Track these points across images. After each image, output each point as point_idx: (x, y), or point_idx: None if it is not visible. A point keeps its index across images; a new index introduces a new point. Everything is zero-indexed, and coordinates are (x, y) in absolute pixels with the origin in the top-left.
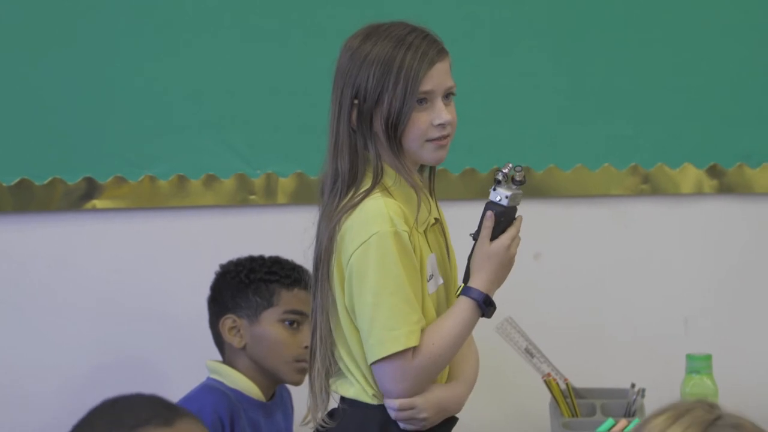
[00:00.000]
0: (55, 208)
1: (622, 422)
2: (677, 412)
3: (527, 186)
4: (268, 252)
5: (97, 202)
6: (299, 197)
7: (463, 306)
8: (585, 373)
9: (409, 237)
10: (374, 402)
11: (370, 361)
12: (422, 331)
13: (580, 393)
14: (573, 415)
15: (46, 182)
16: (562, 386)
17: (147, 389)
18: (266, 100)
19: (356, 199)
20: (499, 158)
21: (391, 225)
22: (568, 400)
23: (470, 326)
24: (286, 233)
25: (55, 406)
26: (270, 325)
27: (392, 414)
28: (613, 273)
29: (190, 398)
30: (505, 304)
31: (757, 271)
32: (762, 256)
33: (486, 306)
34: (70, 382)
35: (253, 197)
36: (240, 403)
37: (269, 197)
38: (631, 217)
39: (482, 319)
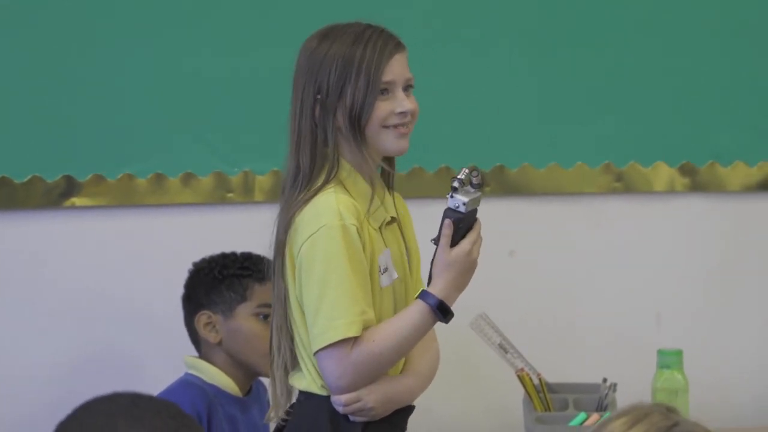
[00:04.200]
0: (35, 205)
1: (594, 416)
2: (635, 416)
3: (503, 184)
4: (246, 249)
5: (77, 200)
6: (276, 195)
7: (415, 309)
8: (558, 369)
9: (359, 231)
10: (324, 393)
11: (312, 351)
12: (371, 326)
13: (552, 388)
14: (546, 410)
15: (25, 180)
16: (535, 381)
17: (125, 385)
18: (244, 98)
19: (310, 194)
20: (475, 156)
21: (339, 219)
22: (541, 394)
23: (421, 330)
24: (263, 230)
25: (33, 402)
26: (244, 320)
27: (340, 409)
28: (587, 270)
29: (168, 393)
30: (480, 300)
31: (728, 267)
32: (733, 253)
33: (441, 313)
34: (49, 378)
35: (230, 195)
36: (217, 398)
37: (247, 195)
38: (605, 214)
39: (457, 315)
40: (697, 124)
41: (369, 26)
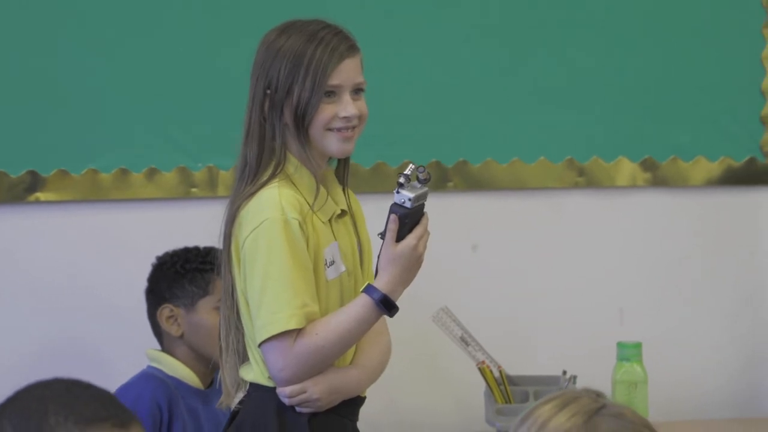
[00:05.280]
0: None
1: None
2: (563, 400)
3: (466, 179)
4: (209, 244)
5: (41, 195)
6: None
7: (360, 303)
8: (519, 362)
9: (302, 225)
10: (271, 384)
11: (256, 344)
12: (314, 318)
13: (513, 380)
14: (506, 402)
15: None
16: (496, 374)
17: (88, 378)
18: (207, 94)
19: (255, 188)
20: (438, 151)
21: (281, 213)
22: (502, 387)
23: (365, 323)
24: None
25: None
26: (206, 313)
27: (285, 401)
28: (549, 264)
29: (130, 386)
30: (442, 293)
31: (689, 262)
32: (694, 247)
33: (385, 307)
34: (12, 370)
35: (194, 190)
36: (178, 390)
37: (210, 190)
38: (567, 209)
39: (420, 309)
40: (658, 119)
41: (326, 26)
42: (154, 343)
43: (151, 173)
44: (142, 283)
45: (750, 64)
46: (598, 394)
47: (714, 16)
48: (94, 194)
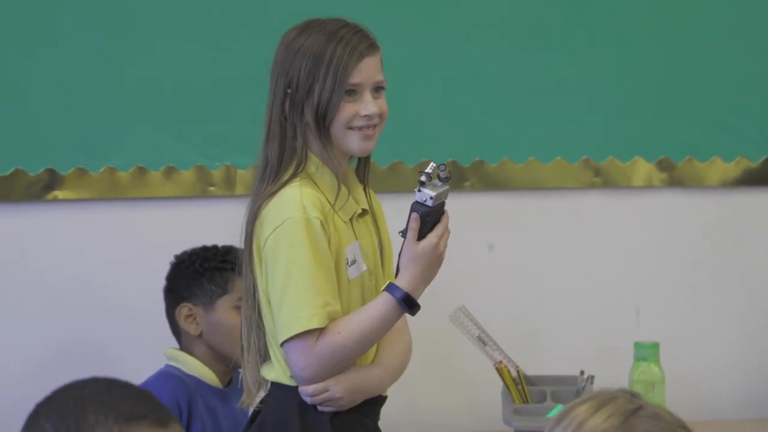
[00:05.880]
0: (18, 198)
1: None
2: (600, 401)
3: (482, 179)
4: (227, 243)
5: (59, 193)
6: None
7: (381, 301)
8: (536, 361)
9: (324, 224)
10: (293, 384)
11: (278, 343)
12: (336, 317)
13: (530, 380)
14: (524, 402)
15: (8, 173)
16: (514, 373)
17: (108, 376)
18: (225, 93)
19: (276, 187)
20: (455, 151)
21: (303, 212)
22: (519, 387)
23: (387, 321)
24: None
25: (14, 391)
26: (225, 312)
27: (308, 400)
28: (566, 264)
29: (149, 384)
30: (459, 293)
31: (705, 262)
32: (710, 247)
33: (407, 305)
34: (30, 369)
35: (212, 188)
36: (197, 389)
37: (228, 188)
38: (583, 209)
39: (437, 309)
40: (675, 119)
41: (346, 24)
42: (172, 342)
43: (169, 172)
44: (160, 282)
45: (766, 64)
46: (634, 395)
47: (730, 17)
48: (111, 193)
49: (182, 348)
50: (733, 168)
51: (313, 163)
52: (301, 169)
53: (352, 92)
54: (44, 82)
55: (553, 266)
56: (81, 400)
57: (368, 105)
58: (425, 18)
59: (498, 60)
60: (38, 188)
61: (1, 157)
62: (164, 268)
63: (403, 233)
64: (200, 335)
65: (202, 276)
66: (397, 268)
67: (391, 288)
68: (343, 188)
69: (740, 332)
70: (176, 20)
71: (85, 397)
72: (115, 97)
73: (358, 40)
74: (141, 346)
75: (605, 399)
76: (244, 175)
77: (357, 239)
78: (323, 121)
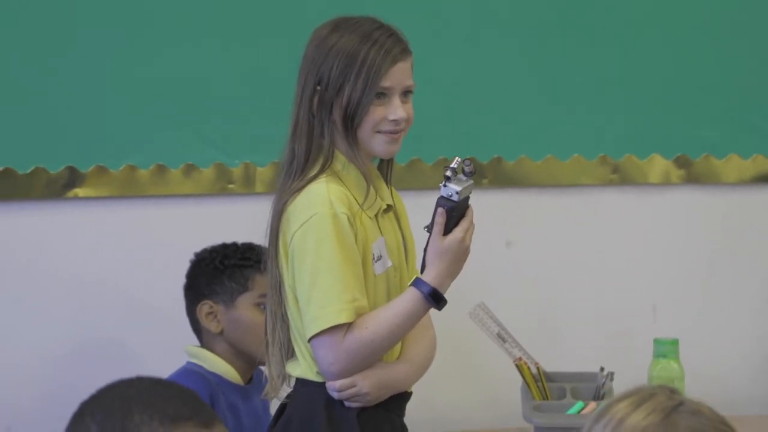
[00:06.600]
0: (38, 196)
1: (592, 405)
2: (640, 397)
3: (500, 176)
4: (247, 240)
5: (79, 191)
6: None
7: (409, 296)
8: (555, 358)
9: (351, 220)
10: (319, 380)
11: (306, 339)
12: (364, 313)
13: (550, 377)
14: (544, 398)
15: (29, 171)
16: (533, 370)
17: (127, 374)
18: (244, 90)
19: (303, 183)
20: (473, 148)
21: (330, 207)
22: (539, 383)
23: (414, 316)
24: (264, 221)
25: (33, 390)
26: (246, 309)
27: (335, 395)
28: (583, 260)
29: None
30: (478, 290)
31: (723, 259)
32: (727, 244)
33: (434, 300)
34: (50, 367)
35: (231, 186)
36: (219, 386)
37: (248, 186)
38: (601, 206)
39: (456, 306)
40: (692, 117)
41: (380, 26)
42: (191, 340)
43: (189, 169)
44: (180, 280)
45: None
46: (673, 391)
47: (747, 14)
48: (131, 190)
49: (203, 345)
50: (750, 165)
51: (339, 161)
52: (328, 165)
53: (382, 96)
54: (64, 80)
55: (571, 263)
56: (127, 400)
57: (397, 110)
58: (445, 16)
59: (516, 58)
60: (58, 186)
61: (21, 155)
62: (184, 266)
63: (429, 228)
64: (221, 333)
65: (222, 273)
66: (423, 263)
67: (418, 283)
68: (371, 186)
69: (757, 329)
70: (196, 19)
71: (130, 397)
72: (135, 95)
73: (392, 44)
74: (160, 345)
75: (645, 395)
76: (264, 173)
77: (382, 235)
78: (351, 122)
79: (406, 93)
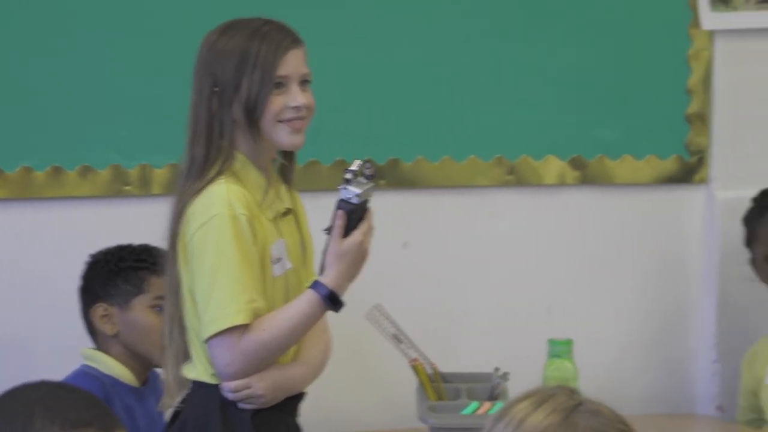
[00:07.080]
0: None
1: (486, 405)
2: (540, 397)
3: (397, 177)
4: (143, 242)
5: None
6: (174, 188)
7: (306, 298)
8: (451, 359)
9: (250, 221)
10: (215, 382)
11: (202, 339)
12: (261, 314)
13: (446, 377)
14: (439, 399)
15: None
16: (429, 371)
17: (21, 377)
18: (142, 91)
19: (202, 183)
20: (370, 149)
21: (229, 209)
22: (435, 384)
23: (312, 319)
24: (161, 223)
25: None
26: (141, 312)
27: (229, 396)
28: (479, 261)
29: None
30: (374, 291)
31: (616, 259)
32: (621, 245)
33: (332, 302)
34: None
35: (128, 188)
36: (114, 388)
37: (144, 188)
38: (496, 207)
39: (352, 307)
40: (587, 118)
41: (268, 21)
42: (88, 342)
43: (85, 171)
44: (76, 281)
45: (676, 63)
46: (573, 391)
47: (641, 15)
48: (27, 192)
49: (98, 348)
50: (644, 166)
51: (239, 161)
52: (226, 166)
53: (280, 85)
54: None
55: (467, 264)
56: (29, 405)
57: (297, 97)
58: (340, 14)
59: (411, 59)
60: None
61: None
62: (79, 268)
63: (328, 230)
64: (116, 335)
65: (117, 275)
66: (322, 265)
67: (316, 285)
68: (271, 184)
69: (650, 330)
70: (94, 18)
71: (33, 401)
72: (31, 96)
73: (282, 36)
74: (57, 347)
75: (545, 396)
76: (161, 175)
77: (282, 237)
78: (253, 115)
79: (303, 82)
